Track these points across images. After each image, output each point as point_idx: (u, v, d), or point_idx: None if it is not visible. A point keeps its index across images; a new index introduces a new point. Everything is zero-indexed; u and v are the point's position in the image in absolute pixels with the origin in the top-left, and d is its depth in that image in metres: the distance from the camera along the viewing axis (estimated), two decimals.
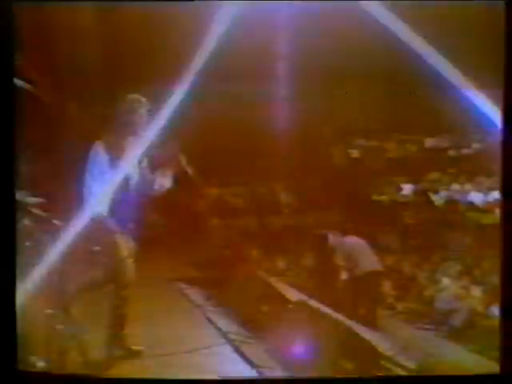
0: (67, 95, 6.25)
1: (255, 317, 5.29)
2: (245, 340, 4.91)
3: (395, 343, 5.18)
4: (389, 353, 4.64)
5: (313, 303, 5.25)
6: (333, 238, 6.83)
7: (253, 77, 6.73)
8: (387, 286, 6.94)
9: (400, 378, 4.43)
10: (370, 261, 6.46)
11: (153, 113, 4.71)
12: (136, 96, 4.75)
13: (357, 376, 4.34)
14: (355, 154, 9.47)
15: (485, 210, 8.43)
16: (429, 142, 9.59)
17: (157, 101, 4.75)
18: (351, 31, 5.57)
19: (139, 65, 6.05)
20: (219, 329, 5.06)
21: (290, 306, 5.18)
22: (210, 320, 5.31)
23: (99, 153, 4.60)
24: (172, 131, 4.74)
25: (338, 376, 4.28)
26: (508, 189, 4.17)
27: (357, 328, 4.90)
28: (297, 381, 4.33)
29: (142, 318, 4.75)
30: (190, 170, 4.89)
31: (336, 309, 5.85)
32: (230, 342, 4.83)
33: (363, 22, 4.60)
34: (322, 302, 5.86)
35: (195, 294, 6.05)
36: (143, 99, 4.72)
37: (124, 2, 5.17)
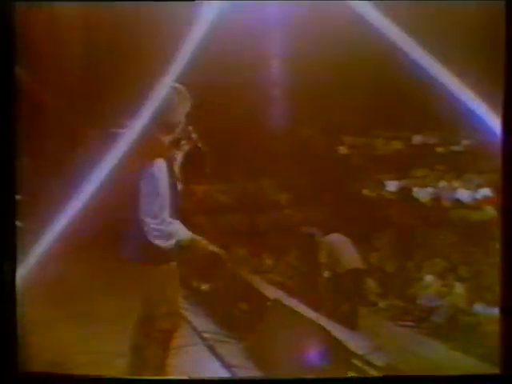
0: (56, 93, 6.12)
1: (232, 315, 5.19)
2: (220, 339, 4.81)
3: (373, 341, 5.08)
4: (360, 351, 4.53)
5: (288, 302, 5.14)
6: (317, 236, 6.75)
7: (239, 74, 6.71)
8: (369, 284, 6.85)
9: (397, 377, 4.35)
10: (351, 258, 6.38)
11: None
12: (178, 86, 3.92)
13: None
14: (343, 150, 9.38)
15: (472, 207, 8.35)
16: (416, 139, 9.51)
17: (142, 100, 4.52)
18: (339, 29, 5.52)
19: (126, 64, 5.96)
20: (194, 328, 4.94)
21: (268, 303, 5.08)
22: (185, 318, 5.18)
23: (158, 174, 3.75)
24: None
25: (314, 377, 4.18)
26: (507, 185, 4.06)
27: (330, 326, 4.79)
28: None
29: (113, 315, 4.63)
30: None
31: (318, 306, 5.79)
32: (204, 341, 4.72)
33: (351, 20, 4.55)
34: (305, 300, 5.78)
35: None
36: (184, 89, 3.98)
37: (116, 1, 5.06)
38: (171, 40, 4.66)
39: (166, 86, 4.03)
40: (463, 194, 8.65)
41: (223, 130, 7.71)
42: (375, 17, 4.44)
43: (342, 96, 7.58)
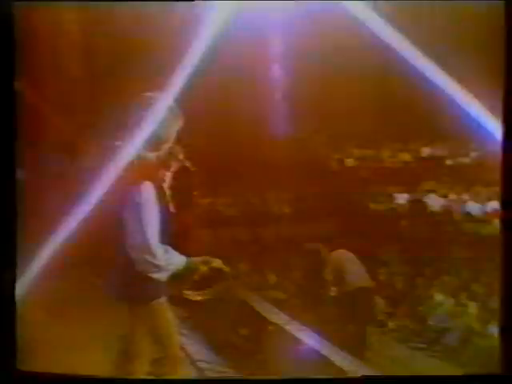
0: (53, 100, 5.72)
1: (231, 342, 4.60)
2: (216, 369, 4.20)
3: (381, 367, 4.51)
4: None
5: (291, 327, 4.55)
6: (323, 252, 6.19)
7: (243, 87, 6.45)
8: (378, 302, 6.27)
9: (396, 378, 3.69)
10: (358, 276, 5.80)
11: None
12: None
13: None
14: (350, 163, 8.99)
15: (483, 220, 7.83)
16: (424, 151, 9.11)
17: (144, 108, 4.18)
18: (346, 39, 5.31)
19: (128, 70, 5.61)
20: (189, 356, 4.33)
21: (270, 327, 4.50)
22: (182, 347, 4.56)
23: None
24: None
25: None
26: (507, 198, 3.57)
27: (335, 355, 4.22)
28: None
29: (106, 338, 4.09)
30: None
31: (324, 327, 5.26)
32: (199, 371, 4.11)
33: (359, 30, 4.13)
34: (309, 320, 5.23)
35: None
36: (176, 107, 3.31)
37: (116, 2, 4.68)
38: (173, 48, 4.24)
39: (162, 101, 3.45)
40: (473, 207, 8.17)
41: (228, 143, 7.41)
42: (384, 26, 4.02)
43: (349, 108, 7.30)
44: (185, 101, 4.01)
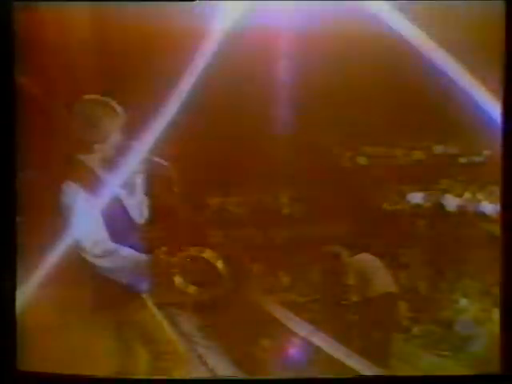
0: (58, 101, 5.46)
1: (253, 355, 4.25)
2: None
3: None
4: None
5: (315, 339, 4.23)
6: (344, 255, 5.88)
7: (254, 82, 6.08)
8: (401, 307, 5.94)
9: (396, 378, 4.09)
10: (383, 281, 5.56)
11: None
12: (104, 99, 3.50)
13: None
14: (363, 161, 8.66)
15: (497, 220, 7.50)
16: (437, 149, 8.79)
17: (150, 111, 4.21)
18: (356, 35, 5.10)
19: (132, 74, 5.38)
20: (211, 370, 3.95)
21: (294, 340, 4.16)
22: (200, 358, 4.18)
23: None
24: (169, 140, 4.14)
25: None
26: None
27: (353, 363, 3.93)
28: None
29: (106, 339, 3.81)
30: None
31: (347, 334, 5.09)
32: None
33: (368, 25, 4.27)
34: (332, 328, 4.94)
35: (187, 323, 4.89)
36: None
37: (120, 2, 4.65)
38: (180, 49, 4.37)
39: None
40: (488, 207, 7.88)
41: (238, 142, 7.12)
42: (395, 21, 4.14)
43: (361, 105, 6.93)
44: (194, 101, 3.86)
